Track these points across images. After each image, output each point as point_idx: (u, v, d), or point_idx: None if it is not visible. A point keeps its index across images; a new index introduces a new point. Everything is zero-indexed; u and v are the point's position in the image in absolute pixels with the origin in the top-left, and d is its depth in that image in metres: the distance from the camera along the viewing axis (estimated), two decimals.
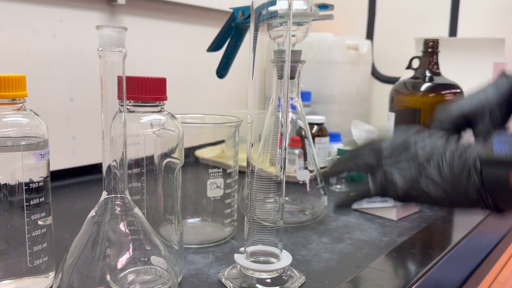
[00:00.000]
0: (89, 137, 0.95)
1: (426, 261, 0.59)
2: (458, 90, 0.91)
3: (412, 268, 0.58)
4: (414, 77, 0.94)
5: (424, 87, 0.91)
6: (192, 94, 1.16)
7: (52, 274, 0.50)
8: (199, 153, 0.64)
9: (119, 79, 0.39)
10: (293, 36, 0.67)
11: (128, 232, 0.40)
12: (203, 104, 1.19)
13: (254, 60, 0.49)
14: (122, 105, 0.40)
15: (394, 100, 0.95)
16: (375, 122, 1.32)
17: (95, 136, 0.94)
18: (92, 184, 0.92)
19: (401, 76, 1.07)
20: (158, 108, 0.50)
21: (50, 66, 0.87)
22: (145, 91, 0.48)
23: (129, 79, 0.46)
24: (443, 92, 0.90)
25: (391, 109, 0.95)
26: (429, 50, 0.92)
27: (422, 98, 0.91)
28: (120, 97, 0.40)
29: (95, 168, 0.98)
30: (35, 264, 0.48)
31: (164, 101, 0.50)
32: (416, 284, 0.54)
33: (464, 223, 0.77)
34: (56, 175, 0.89)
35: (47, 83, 0.87)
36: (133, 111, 0.48)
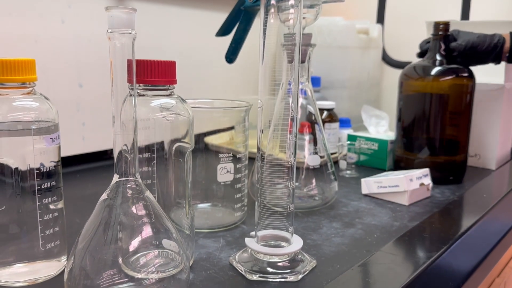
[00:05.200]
0: (98, 123, 0.95)
1: (438, 246, 0.59)
2: (469, 74, 0.89)
3: (424, 252, 0.58)
4: (425, 59, 0.92)
5: (434, 71, 0.89)
6: (201, 79, 1.15)
7: (64, 258, 0.50)
8: (209, 139, 0.64)
9: (129, 62, 0.39)
10: (303, 18, 0.66)
11: (140, 215, 0.40)
12: (212, 90, 1.19)
13: (264, 44, 0.49)
14: (132, 89, 0.40)
15: (404, 85, 0.93)
16: (385, 107, 1.31)
17: (104, 122, 0.95)
18: (102, 170, 0.92)
19: (412, 61, 1.06)
20: (168, 92, 0.49)
21: (59, 52, 0.87)
22: (155, 75, 0.47)
23: (139, 62, 0.46)
24: (453, 76, 0.89)
25: (400, 94, 0.94)
26: (440, 33, 0.90)
27: (432, 82, 0.89)
28: (130, 81, 0.40)
29: (105, 155, 0.98)
30: (47, 248, 0.48)
31: (174, 85, 0.50)
32: (429, 268, 0.53)
33: (476, 207, 0.77)
34: (66, 161, 0.89)
35: (56, 69, 0.87)
36: (143, 95, 0.48)
